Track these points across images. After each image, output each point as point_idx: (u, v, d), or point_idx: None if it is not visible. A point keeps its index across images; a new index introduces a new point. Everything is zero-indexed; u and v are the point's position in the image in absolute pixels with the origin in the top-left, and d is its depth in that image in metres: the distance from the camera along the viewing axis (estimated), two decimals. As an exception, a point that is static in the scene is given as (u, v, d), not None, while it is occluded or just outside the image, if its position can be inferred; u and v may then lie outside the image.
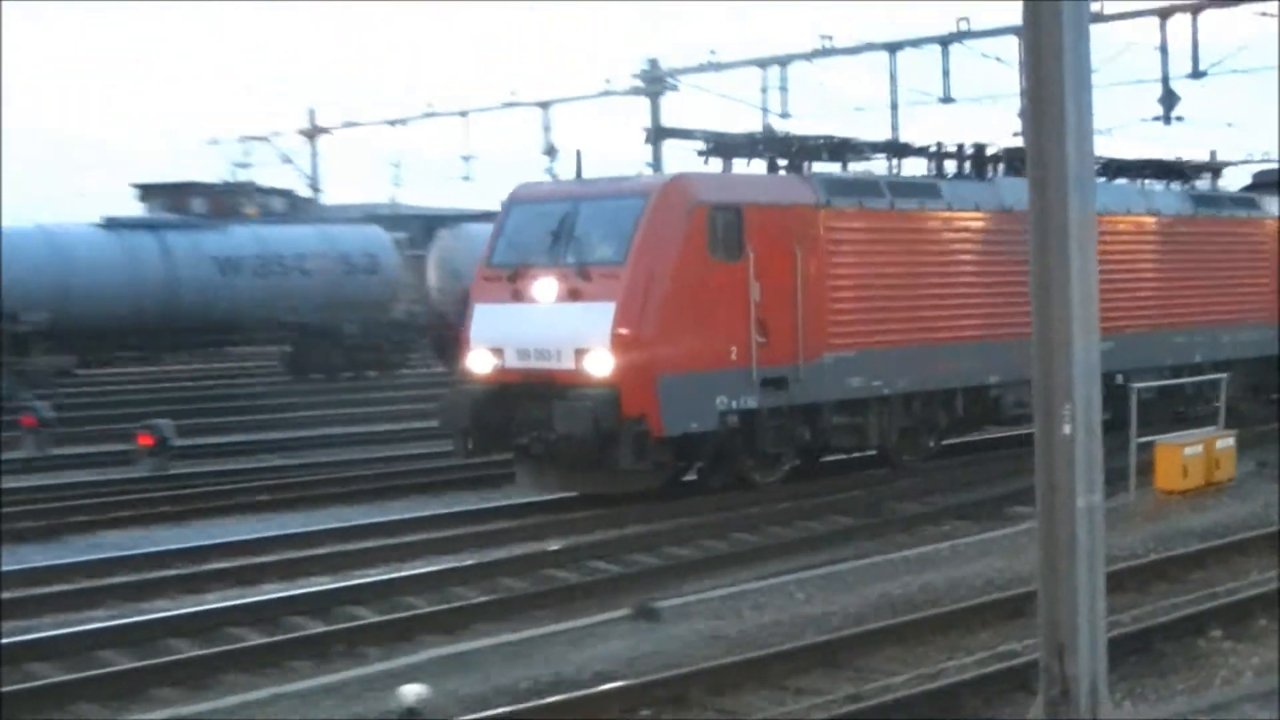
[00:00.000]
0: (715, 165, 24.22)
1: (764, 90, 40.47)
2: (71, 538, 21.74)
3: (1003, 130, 41.88)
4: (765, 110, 39.76)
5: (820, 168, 24.96)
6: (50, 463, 29.34)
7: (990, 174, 27.18)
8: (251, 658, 14.85)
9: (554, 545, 20.26)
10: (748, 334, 22.58)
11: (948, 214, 25.69)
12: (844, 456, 25.83)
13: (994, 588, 16.56)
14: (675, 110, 60.07)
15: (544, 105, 47.28)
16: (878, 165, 26.69)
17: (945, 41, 37.40)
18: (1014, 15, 35.23)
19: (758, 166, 24.73)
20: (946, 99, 37.99)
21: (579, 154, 24.00)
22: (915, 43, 38.26)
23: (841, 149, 25.56)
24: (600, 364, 21.68)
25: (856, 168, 25.88)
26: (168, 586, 18.12)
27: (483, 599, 17.38)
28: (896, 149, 27.35)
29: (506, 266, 22.93)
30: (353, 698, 13.11)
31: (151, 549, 20.29)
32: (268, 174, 61.09)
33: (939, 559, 18.66)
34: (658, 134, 25.40)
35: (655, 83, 43.49)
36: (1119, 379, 25.04)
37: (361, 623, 16.27)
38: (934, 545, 19.73)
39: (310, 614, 16.77)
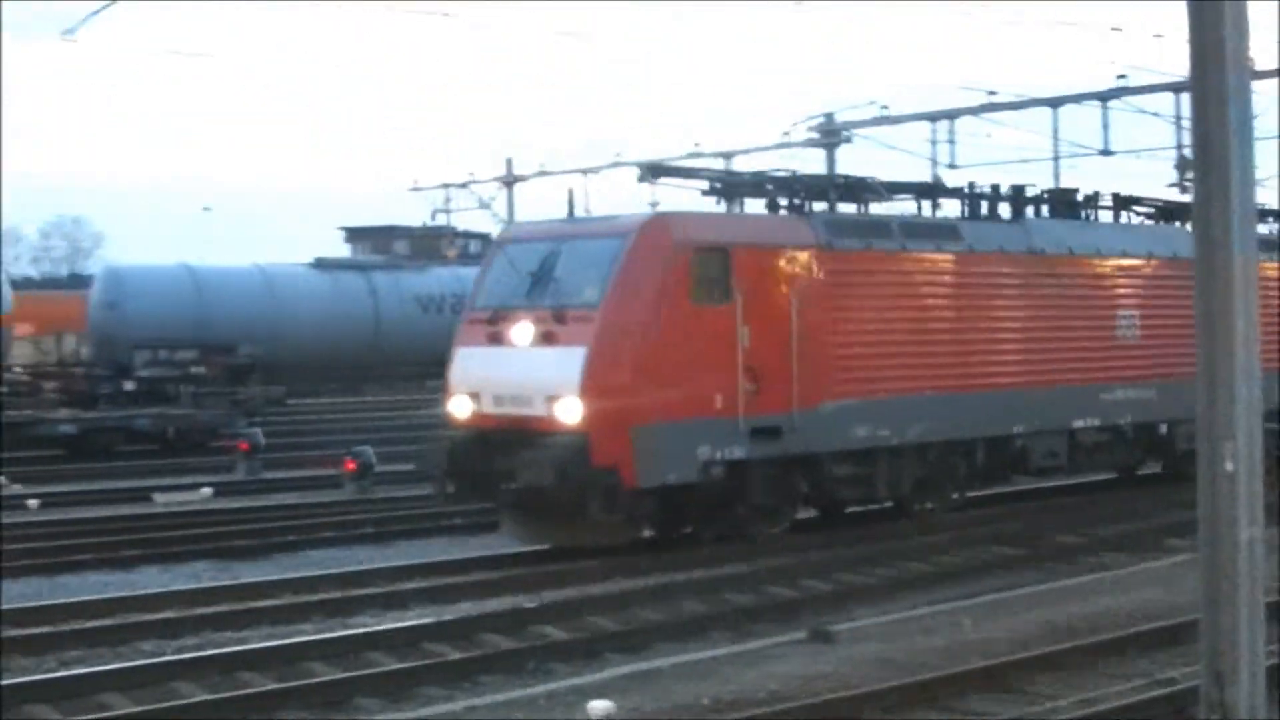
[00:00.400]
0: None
1: (933, 143, 40.13)
2: (280, 555, 22.13)
3: (1158, 181, 40.89)
4: (934, 162, 39.50)
5: (849, 208, 23.57)
6: (262, 485, 30.03)
7: (1022, 216, 25.69)
8: (448, 671, 14.96)
9: (732, 570, 20.05)
10: (734, 381, 20.81)
11: (968, 256, 23.90)
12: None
13: (1153, 616, 16.23)
14: (850, 160, 59.88)
15: (726, 156, 47.20)
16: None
17: (1104, 97, 36.95)
18: (1170, 71, 35.01)
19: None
20: (1106, 151, 37.53)
21: (570, 192, 22.71)
22: (1076, 99, 37.81)
23: (857, 189, 23.80)
24: (570, 411, 20.09)
25: (894, 208, 24.52)
26: (370, 603, 18.33)
27: (663, 619, 17.38)
28: (924, 190, 25.71)
29: (487, 309, 21.62)
30: (542, 712, 13.11)
31: (355, 567, 20.62)
32: (466, 218, 61.95)
33: (1099, 588, 18.35)
34: (653, 172, 23.81)
35: (830, 135, 43.37)
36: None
37: (551, 640, 16.38)
38: (1094, 575, 19.35)
39: (503, 631, 16.87)
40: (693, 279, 20.76)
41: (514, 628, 16.98)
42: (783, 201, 23.02)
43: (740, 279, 21.05)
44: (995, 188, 25.70)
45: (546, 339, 20.71)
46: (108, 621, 17.14)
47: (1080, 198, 27.09)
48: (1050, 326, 24.82)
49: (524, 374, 20.86)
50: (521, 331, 20.94)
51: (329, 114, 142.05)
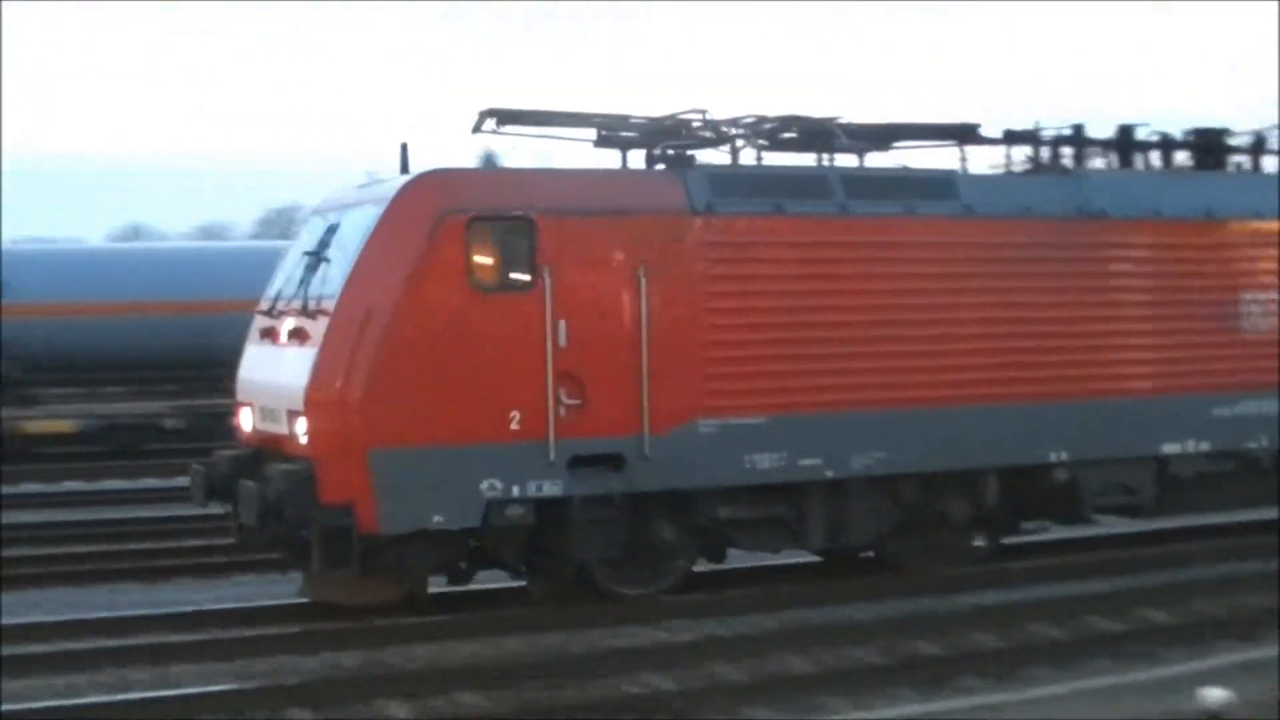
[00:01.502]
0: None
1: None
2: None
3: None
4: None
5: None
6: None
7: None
8: (1052, 653, 14.32)
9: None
10: (541, 392, 15.41)
11: (966, 222, 17.36)
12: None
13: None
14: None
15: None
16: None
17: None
18: None
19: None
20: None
21: (404, 146, 16.37)
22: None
23: (813, 136, 17.42)
24: (298, 431, 15.32)
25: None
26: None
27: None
28: (885, 133, 18.13)
29: (269, 298, 16.83)
30: (1152, 697, 12.66)
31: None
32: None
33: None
34: (498, 117, 17.33)
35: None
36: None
37: (1157, 624, 15.51)
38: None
39: (1106, 614, 15.75)
40: (471, 257, 15.33)
41: (1117, 610, 15.86)
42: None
43: (552, 257, 15.49)
44: (1037, 129, 18.78)
45: (296, 337, 15.82)
46: None
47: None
48: (1112, 316, 18.01)
49: (275, 381, 16.07)
50: (284, 328, 16.15)
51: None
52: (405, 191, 15.53)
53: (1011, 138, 18.81)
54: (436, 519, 15.20)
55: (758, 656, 14.11)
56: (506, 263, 15.50)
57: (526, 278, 15.48)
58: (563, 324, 15.47)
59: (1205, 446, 18.30)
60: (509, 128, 16.74)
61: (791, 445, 16.33)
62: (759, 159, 17.47)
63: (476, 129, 16.52)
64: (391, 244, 15.31)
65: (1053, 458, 17.62)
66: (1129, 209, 18.09)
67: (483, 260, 15.41)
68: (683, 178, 16.44)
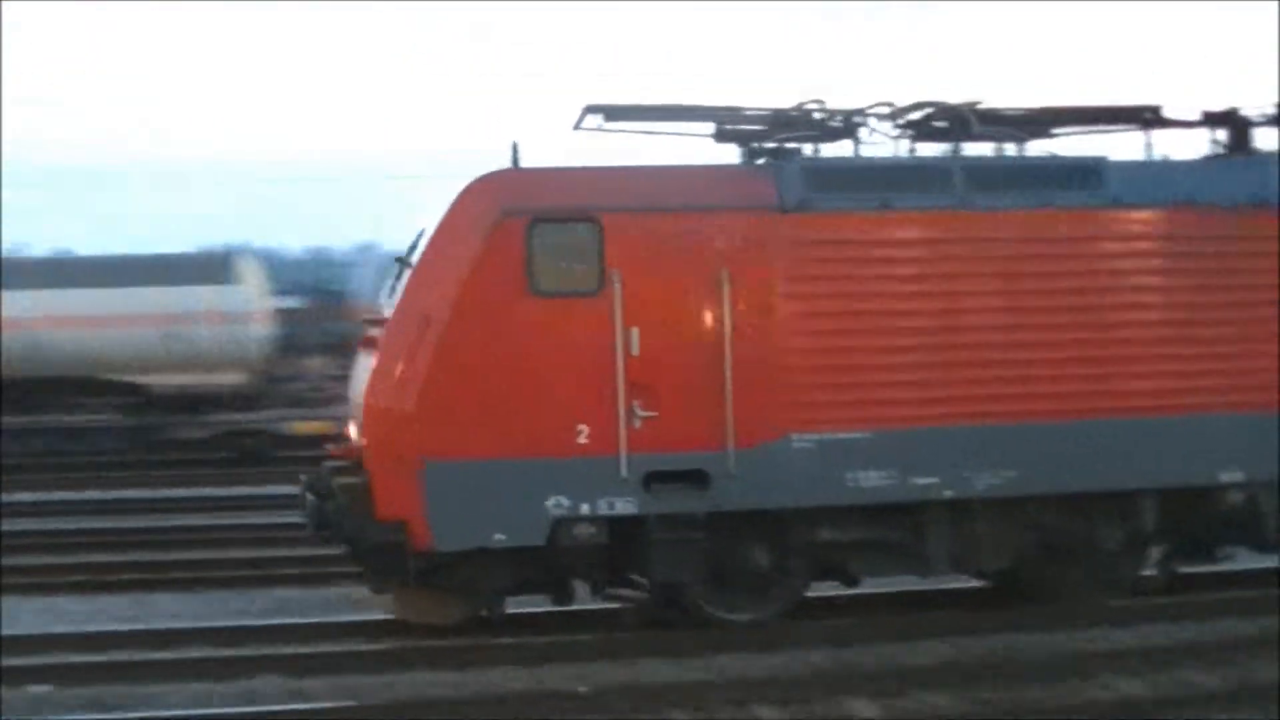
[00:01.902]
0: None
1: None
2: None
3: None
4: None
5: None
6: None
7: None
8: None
9: None
10: (611, 404, 14.34)
11: (1115, 214, 15.41)
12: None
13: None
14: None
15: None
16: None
17: None
18: None
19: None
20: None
21: (514, 145, 15.15)
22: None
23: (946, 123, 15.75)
24: (358, 441, 14.84)
25: None
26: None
27: None
28: (1045, 118, 16.25)
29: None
30: None
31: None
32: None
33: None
34: (606, 113, 15.96)
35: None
36: None
37: None
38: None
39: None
40: (533, 260, 14.38)
41: None
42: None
43: (621, 259, 14.42)
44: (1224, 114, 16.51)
45: (369, 345, 15.23)
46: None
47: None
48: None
49: (351, 391, 15.62)
50: (372, 334, 15.45)
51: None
52: (466, 193, 14.77)
53: (1211, 119, 16.80)
54: (497, 537, 14.32)
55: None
56: (571, 265, 14.52)
57: (594, 281, 14.47)
58: (635, 331, 14.38)
59: None
60: (615, 124, 15.75)
61: (902, 462, 14.81)
62: (899, 152, 16.01)
63: (578, 125, 15.57)
64: (450, 248, 14.57)
65: (1224, 478, 15.54)
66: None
67: (545, 263, 14.46)
68: (775, 172, 15.11)
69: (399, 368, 14.39)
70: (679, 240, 14.58)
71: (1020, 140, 16.08)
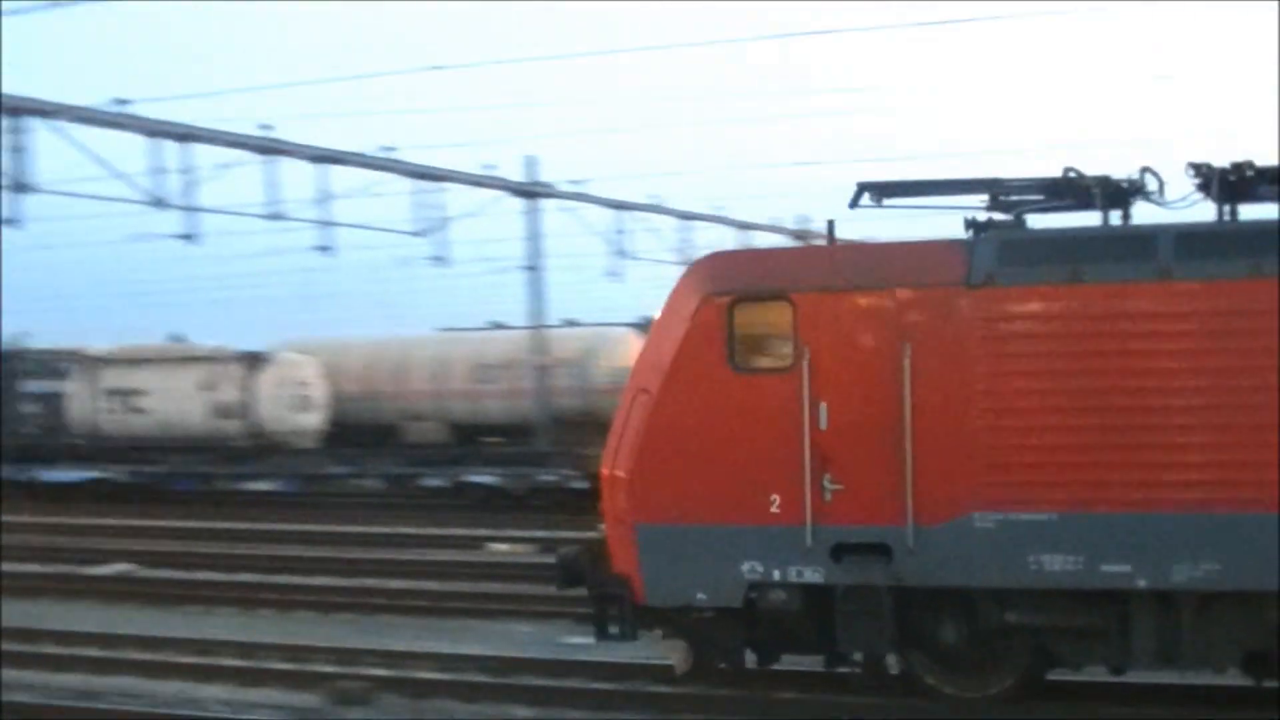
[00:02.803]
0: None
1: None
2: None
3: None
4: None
5: None
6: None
7: None
8: None
9: None
10: (798, 476, 14.51)
11: None
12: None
13: None
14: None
15: None
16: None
17: None
18: None
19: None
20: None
21: (830, 223, 15.74)
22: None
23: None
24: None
25: None
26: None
27: None
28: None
29: None
30: None
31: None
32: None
33: None
34: (877, 191, 15.09)
35: None
36: None
37: None
38: None
39: None
40: (731, 336, 15.22)
41: None
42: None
43: (810, 336, 14.93)
44: None
45: None
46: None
47: None
48: None
49: None
50: None
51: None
52: (683, 276, 15.82)
53: None
54: (700, 596, 15.30)
55: None
56: (766, 343, 15.26)
57: (786, 358, 15.07)
58: (823, 405, 14.87)
59: None
60: (888, 200, 16.08)
61: (1090, 547, 14.22)
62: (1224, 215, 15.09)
63: (854, 204, 16.05)
64: (666, 326, 15.67)
65: None
66: None
67: (743, 339, 15.25)
68: (968, 246, 14.93)
69: (620, 437, 15.70)
70: (866, 317, 14.89)
71: None
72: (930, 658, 15.23)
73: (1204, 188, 14.94)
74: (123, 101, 34.34)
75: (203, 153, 36.50)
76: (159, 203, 35.40)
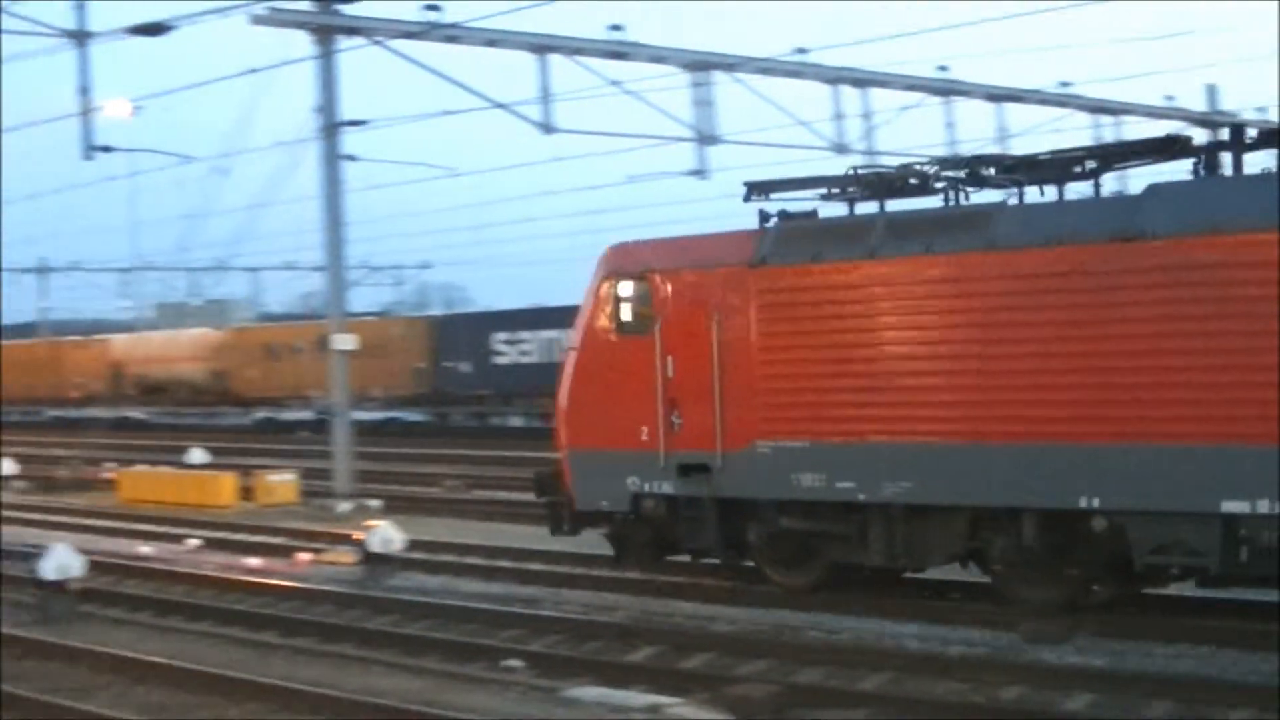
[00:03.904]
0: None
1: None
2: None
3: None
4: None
5: None
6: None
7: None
8: None
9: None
10: (656, 414, 19.34)
11: (999, 256, 16.96)
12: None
13: None
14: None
15: None
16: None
17: None
18: None
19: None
20: None
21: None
22: None
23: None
24: None
25: None
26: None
27: None
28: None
29: None
30: None
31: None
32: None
33: None
34: (756, 189, 19.15)
35: None
36: None
37: None
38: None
39: None
40: (616, 308, 20.04)
41: None
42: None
43: (660, 306, 19.58)
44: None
45: None
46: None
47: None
48: (1155, 350, 15.98)
49: None
50: None
51: None
52: (597, 260, 20.66)
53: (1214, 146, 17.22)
54: (604, 504, 20.32)
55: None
56: (637, 311, 19.90)
57: (648, 324, 19.73)
58: (670, 360, 19.46)
59: None
60: (771, 195, 20.16)
61: (829, 468, 18.16)
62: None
63: (747, 199, 20.26)
64: (584, 299, 20.67)
65: (1082, 503, 16.49)
66: (1183, 224, 15.87)
67: (623, 311, 20.02)
68: (758, 234, 19.01)
69: (562, 384, 20.80)
70: (693, 292, 19.30)
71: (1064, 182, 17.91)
72: (756, 554, 19.53)
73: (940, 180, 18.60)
74: (802, 50, 36.06)
75: (881, 97, 37.76)
76: (840, 148, 36.97)
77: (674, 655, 16.63)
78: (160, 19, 28.56)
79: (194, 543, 27.32)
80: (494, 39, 32.37)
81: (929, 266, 17.56)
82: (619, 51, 33.88)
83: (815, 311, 18.40)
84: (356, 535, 23.06)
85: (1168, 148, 17.61)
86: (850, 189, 19.16)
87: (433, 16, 30.63)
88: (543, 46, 32.77)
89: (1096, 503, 16.45)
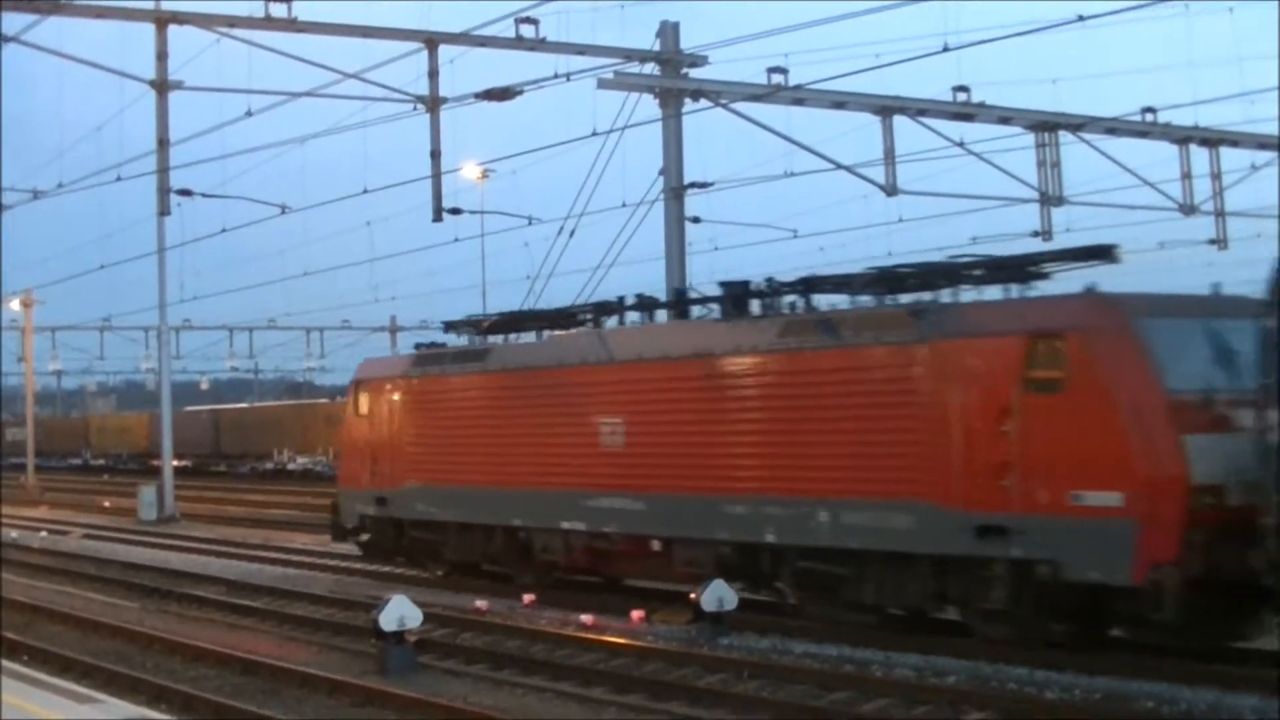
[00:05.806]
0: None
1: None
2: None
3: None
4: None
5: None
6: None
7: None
8: None
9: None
10: (368, 467, 31.50)
11: (491, 375, 28.96)
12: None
13: None
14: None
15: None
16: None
17: None
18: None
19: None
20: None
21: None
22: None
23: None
24: None
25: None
26: None
27: None
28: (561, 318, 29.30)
29: None
30: None
31: None
32: None
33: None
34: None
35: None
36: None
37: None
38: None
39: None
40: (357, 400, 32.64)
41: None
42: None
43: (370, 401, 32.15)
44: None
45: None
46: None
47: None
48: (533, 433, 27.89)
49: None
50: None
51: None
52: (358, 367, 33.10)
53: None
54: (350, 523, 32.95)
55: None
56: (366, 405, 32.40)
57: (367, 413, 32.19)
58: (374, 433, 31.89)
59: (581, 526, 26.86)
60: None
61: (430, 501, 30.33)
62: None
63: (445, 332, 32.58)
64: (350, 391, 33.26)
65: (516, 521, 28.49)
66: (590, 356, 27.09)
67: (360, 403, 32.57)
68: (411, 357, 31.65)
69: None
70: (382, 392, 31.74)
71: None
72: (408, 553, 31.59)
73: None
74: (1149, 110, 35.13)
75: (1231, 156, 35.99)
76: (1188, 210, 35.89)
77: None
78: (507, 84, 28.46)
79: (528, 598, 27.15)
80: (840, 100, 32.35)
81: (476, 380, 29.62)
82: (964, 113, 33.47)
83: (426, 404, 30.72)
84: (691, 596, 23.00)
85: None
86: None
87: (777, 79, 30.51)
88: (887, 108, 32.68)
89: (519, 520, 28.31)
